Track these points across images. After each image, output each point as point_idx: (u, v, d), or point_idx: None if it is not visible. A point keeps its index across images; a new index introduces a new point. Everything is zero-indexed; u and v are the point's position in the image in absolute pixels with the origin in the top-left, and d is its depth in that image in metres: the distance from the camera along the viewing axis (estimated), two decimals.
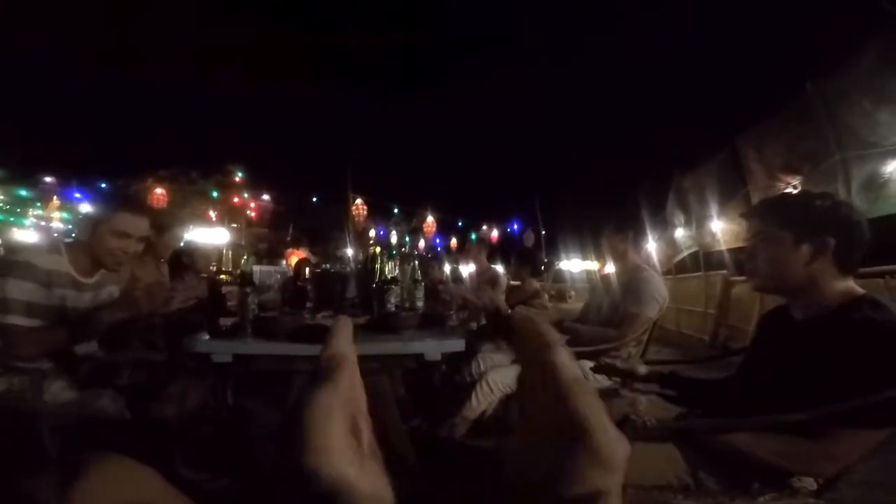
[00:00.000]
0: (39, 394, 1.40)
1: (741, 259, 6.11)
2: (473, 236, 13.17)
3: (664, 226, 7.91)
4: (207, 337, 1.50)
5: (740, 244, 6.04)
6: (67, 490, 0.77)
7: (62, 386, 1.47)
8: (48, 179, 11.87)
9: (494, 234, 13.39)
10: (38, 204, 12.06)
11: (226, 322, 1.52)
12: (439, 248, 12.60)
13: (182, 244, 2.69)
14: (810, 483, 0.98)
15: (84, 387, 1.50)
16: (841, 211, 1.04)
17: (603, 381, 2.04)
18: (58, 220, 11.90)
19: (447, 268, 3.22)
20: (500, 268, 4.47)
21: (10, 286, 1.38)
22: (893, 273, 3.39)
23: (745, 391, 1.11)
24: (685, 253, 7.56)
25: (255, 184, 13.62)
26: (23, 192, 11.93)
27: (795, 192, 2.31)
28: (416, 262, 2.10)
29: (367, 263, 2.33)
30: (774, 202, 1.16)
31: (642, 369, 1.51)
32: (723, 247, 6.35)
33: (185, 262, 2.67)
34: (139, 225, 1.58)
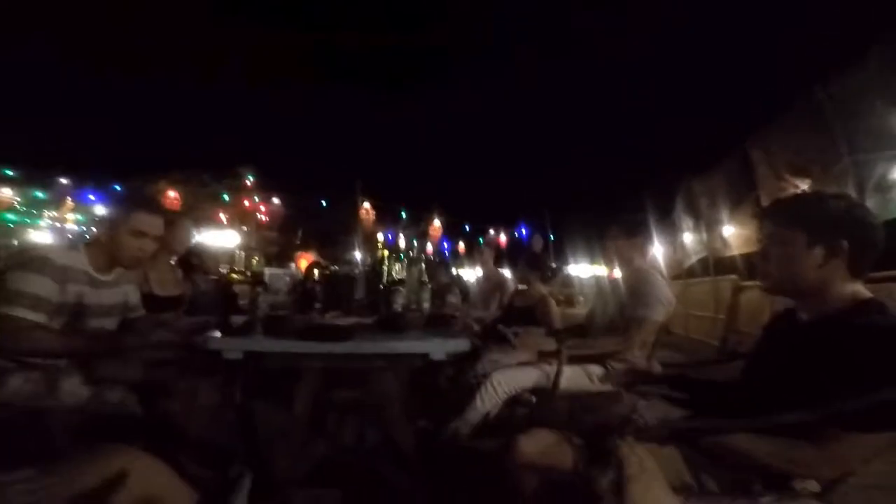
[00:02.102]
0: (53, 390, 1.43)
1: (752, 264, 6.06)
2: (481, 240, 13.20)
3: (673, 230, 7.87)
4: (219, 334, 1.53)
5: (750, 249, 5.99)
6: (99, 482, 0.80)
7: (76, 382, 1.50)
8: (63, 181, 12.04)
9: (502, 238, 13.38)
10: (53, 205, 12.23)
11: (237, 320, 1.55)
12: (447, 252, 12.62)
13: (192, 245, 2.74)
14: (813, 486, 0.98)
15: (97, 383, 1.53)
16: (855, 213, 1.01)
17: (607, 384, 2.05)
18: (72, 221, 12.07)
19: (453, 272, 3.25)
20: (507, 272, 4.48)
21: (20, 278, 1.39)
22: None
23: (748, 392, 1.11)
24: (694, 258, 7.51)
25: (266, 187, 13.72)
26: (38, 194, 12.10)
27: (808, 192, 2.26)
28: (423, 266, 2.13)
29: (376, 266, 2.37)
30: (787, 203, 1.13)
31: (657, 367, 1.50)
32: (733, 251, 6.30)
33: (194, 262, 2.72)
34: (156, 224, 1.61)
